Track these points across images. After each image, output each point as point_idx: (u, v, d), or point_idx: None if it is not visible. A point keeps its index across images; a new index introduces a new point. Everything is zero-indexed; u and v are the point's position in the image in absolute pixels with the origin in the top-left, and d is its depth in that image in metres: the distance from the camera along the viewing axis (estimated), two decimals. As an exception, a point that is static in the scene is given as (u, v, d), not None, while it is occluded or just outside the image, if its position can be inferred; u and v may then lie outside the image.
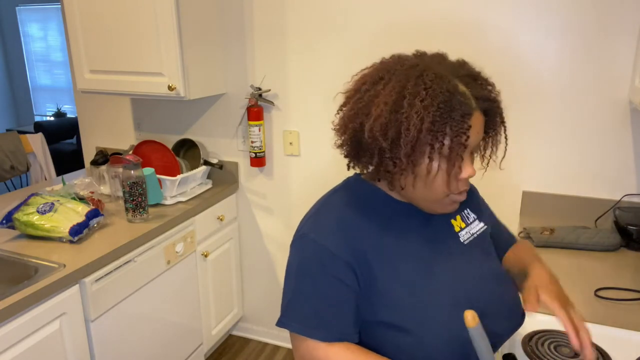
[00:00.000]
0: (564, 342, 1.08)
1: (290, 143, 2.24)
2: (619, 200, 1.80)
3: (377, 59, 0.88)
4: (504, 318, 0.89)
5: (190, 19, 1.99)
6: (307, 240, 0.83)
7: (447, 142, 0.75)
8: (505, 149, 0.92)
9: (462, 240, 0.92)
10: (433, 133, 0.74)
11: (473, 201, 1.01)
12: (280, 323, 0.84)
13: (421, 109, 0.73)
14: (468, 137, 0.76)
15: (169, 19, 1.91)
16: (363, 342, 0.84)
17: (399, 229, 0.86)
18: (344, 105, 0.86)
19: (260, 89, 2.18)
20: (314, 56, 2.09)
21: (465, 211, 0.98)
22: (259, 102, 2.19)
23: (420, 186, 0.81)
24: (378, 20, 1.95)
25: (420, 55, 0.85)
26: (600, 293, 1.34)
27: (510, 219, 1.96)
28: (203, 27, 2.09)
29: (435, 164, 0.78)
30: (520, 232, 1.71)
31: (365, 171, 0.89)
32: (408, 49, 1.96)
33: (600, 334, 1.15)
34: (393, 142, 0.76)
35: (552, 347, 1.07)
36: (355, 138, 0.82)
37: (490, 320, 0.84)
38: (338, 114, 0.87)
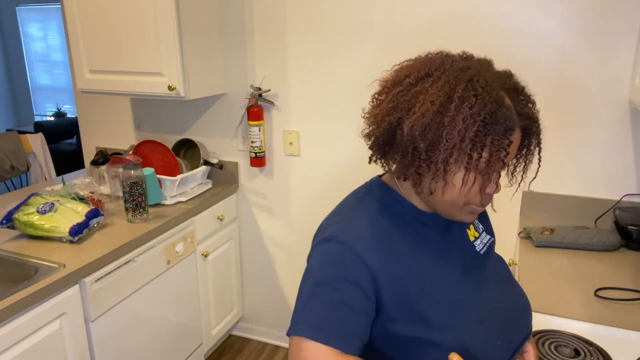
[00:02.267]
0: (564, 342, 1.08)
1: (290, 143, 2.24)
2: (619, 200, 1.80)
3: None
4: (520, 328, 0.88)
5: (190, 19, 1.99)
6: (333, 242, 0.77)
7: (485, 155, 0.72)
8: (538, 170, 0.87)
9: (478, 250, 0.91)
10: (474, 143, 0.71)
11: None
12: (292, 331, 0.74)
13: (468, 116, 0.70)
14: (508, 153, 0.73)
15: (169, 19, 1.91)
16: (382, 353, 0.81)
17: (426, 241, 0.84)
18: (379, 94, 0.80)
19: (260, 89, 2.18)
20: (314, 56, 2.09)
21: (476, 221, 0.97)
22: (259, 102, 2.19)
23: (451, 194, 0.77)
24: (379, 20, 1.95)
25: (467, 58, 0.81)
26: (600, 293, 1.34)
27: (510, 219, 1.96)
28: (203, 27, 2.09)
29: (471, 176, 0.75)
30: (520, 232, 1.71)
31: (387, 167, 0.84)
32: (409, 49, 1.96)
33: (600, 334, 1.15)
34: (431, 144, 0.73)
35: (552, 347, 1.07)
36: (389, 132, 0.77)
37: (511, 333, 0.84)
38: (372, 102, 0.81)
